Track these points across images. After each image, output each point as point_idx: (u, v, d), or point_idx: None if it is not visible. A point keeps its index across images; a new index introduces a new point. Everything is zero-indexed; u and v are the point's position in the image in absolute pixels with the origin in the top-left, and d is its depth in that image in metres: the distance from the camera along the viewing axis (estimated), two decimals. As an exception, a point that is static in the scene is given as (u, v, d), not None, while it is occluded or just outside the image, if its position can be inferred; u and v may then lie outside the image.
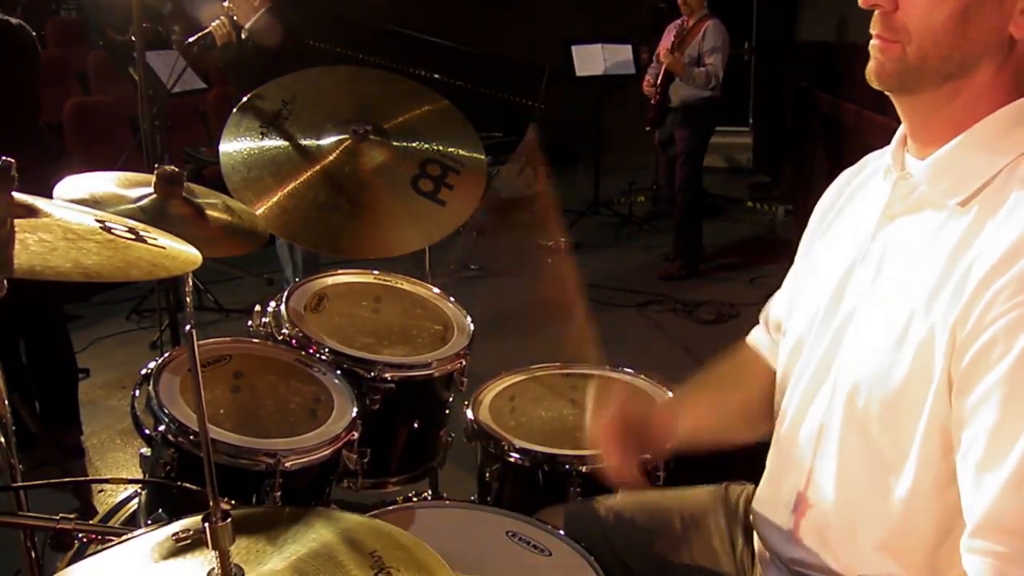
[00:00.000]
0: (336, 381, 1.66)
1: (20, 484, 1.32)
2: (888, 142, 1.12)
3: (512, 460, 1.62)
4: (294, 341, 1.74)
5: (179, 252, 1.17)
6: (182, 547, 0.93)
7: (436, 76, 6.31)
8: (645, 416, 1.35)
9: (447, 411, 1.89)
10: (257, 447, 1.43)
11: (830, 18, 5.66)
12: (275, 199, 1.83)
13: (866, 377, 1.02)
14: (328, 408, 1.60)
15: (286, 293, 1.86)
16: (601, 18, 7.67)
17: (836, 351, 1.09)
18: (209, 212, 1.67)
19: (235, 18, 3.85)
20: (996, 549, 0.87)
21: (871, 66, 1.02)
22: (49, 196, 1.33)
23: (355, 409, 1.59)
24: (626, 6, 7.75)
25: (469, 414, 1.74)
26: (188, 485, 1.33)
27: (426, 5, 7.72)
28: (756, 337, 1.40)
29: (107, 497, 2.69)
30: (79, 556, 1.22)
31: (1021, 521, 0.87)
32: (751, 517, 1.27)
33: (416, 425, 1.84)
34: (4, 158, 1.06)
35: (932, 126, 1.03)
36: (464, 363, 1.84)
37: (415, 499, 1.71)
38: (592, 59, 6.40)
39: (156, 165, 1.68)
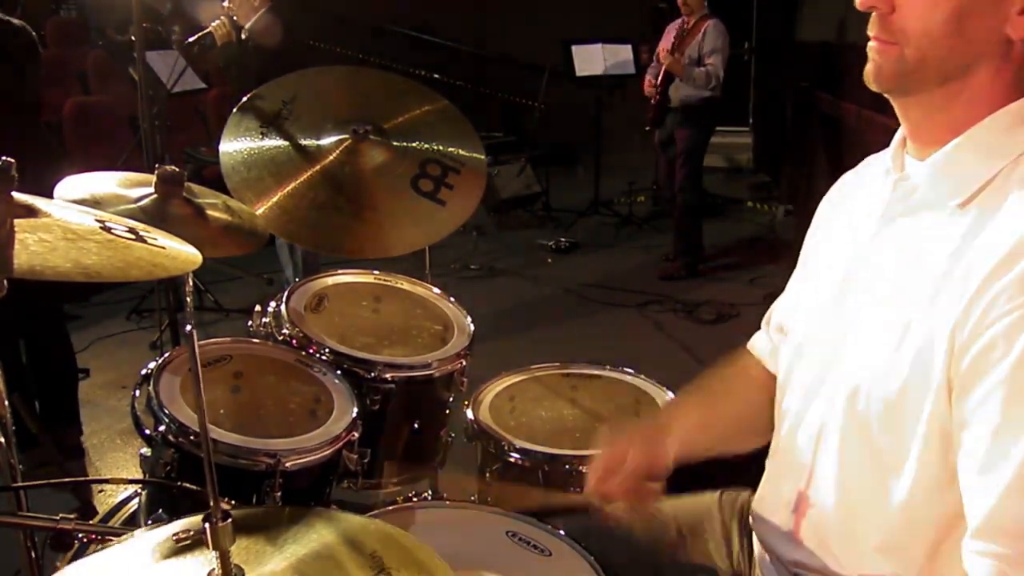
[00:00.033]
0: (336, 381, 1.66)
1: (20, 484, 1.32)
2: (888, 142, 1.12)
3: (512, 460, 1.62)
4: (294, 341, 1.74)
5: (179, 252, 1.17)
6: (182, 547, 0.93)
7: (436, 76, 6.31)
8: (637, 471, 1.29)
9: (447, 411, 1.89)
10: (257, 447, 1.43)
11: (830, 18, 5.66)
12: (275, 199, 1.83)
13: (866, 379, 1.02)
14: (328, 408, 1.60)
15: (286, 293, 1.86)
16: (601, 18, 7.66)
17: (837, 353, 1.09)
18: (209, 212, 1.67)
19: (235, 18, 3.85)
20: (998, 551, 0.87)
21: (869, 68, 1.02)
22: (49, 196, 1.33)
23: (355, 409, 1.59)
24: (626, 6, 7.75)
25: (469, 414, 1.74)
26: (188, 485, 1.33)
27: (426, 5, 7.72)
28: (757, 342, 1.40)
29: (107, 497, 2.69)
30: (79, 556, 1.22)
31: (1022, 521, 0.86)
32: (751, 519, 1.27)
33: (416, 425, 1.83)
34: (4, 158, 1.06)
35: (931, 127, 1.03)
36: (464, 363, 1.84)
37: (415, 499, 1.71)
38: (592, 59, 6.40)
39: (157, 165, 1.68)
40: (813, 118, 5.32)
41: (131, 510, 1.75)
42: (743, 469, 1.36)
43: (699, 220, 5.47)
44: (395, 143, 1.96)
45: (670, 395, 1.79)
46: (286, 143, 1.92)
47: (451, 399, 1.87)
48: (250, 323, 1.85)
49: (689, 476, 1.32)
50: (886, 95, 1.03)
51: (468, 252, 5.71)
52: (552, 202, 6.77)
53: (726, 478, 1.42)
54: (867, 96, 1.05)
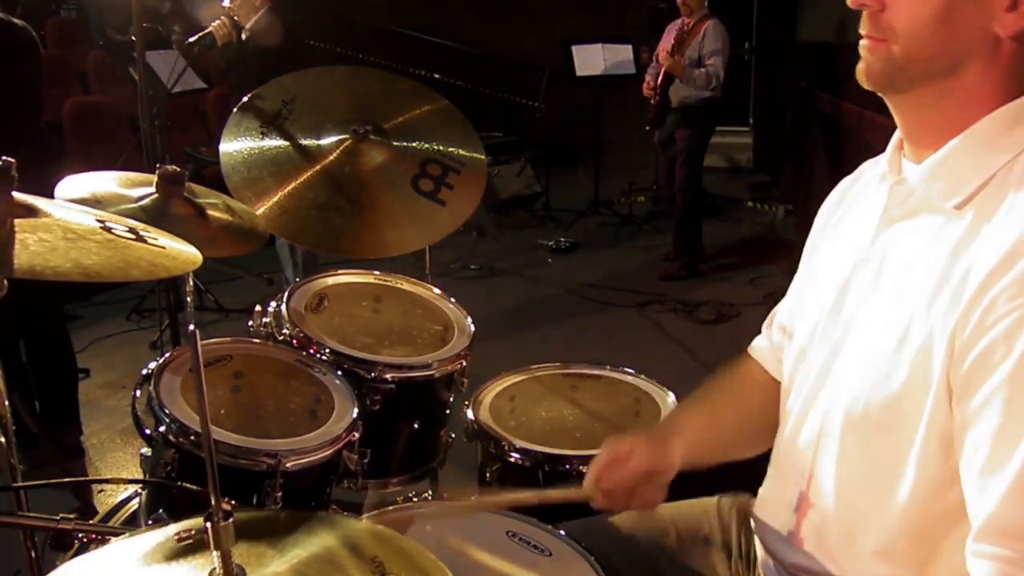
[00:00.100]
0: (336, 381, 1.66)
1: (20, 484, 1.32)
2: (888, 142, 1.12)
3: (512, 460, 1.62)
4: (294, 341, 1.74)
5: (179, 252, 1.18)
6: (184, 547, 0.93)
7: (436, 76, 6.31)
8: (637, 466, 1.28)
9: (447, 411, 1.89)
10: (257, 447, 1.43)
11: (830, 18, 5.66)
12: (275, 199, 1.83)
13: (866, 382, 1.02)
14: (328, 408, 1.60)
15: (286, 293, 1.86)
16: (601, 18, 7.67)
17: (837, 357, 1.09)
18: (209, 212, 1.67)
19: (236, 18, 3.85)
20: (1001, 553, 0.87)
21: (860, 66, 1.02)
22: (49, 196, 1.33)
23: (355, 409, 1.59)
24: (626, 6, 7.75)
25: (469, 414, 1.74)
26: (189, 485, 1.33)
27: (426, 5, 7.73)
28: (758, 346, 1.40)
29: (107, 497, 2.69)
30: (79, 556, 1.22)
31: None
32: (752, 522, 1.27)
33: (416, 425, 1.84)
34: (4, 158, 1.06)
35: (924, 127, 1.03)
36: (464, 363, 1.84)
37: (415, 499, 1.71)
38: (592, 59, 6.40)
39: (157, 165, 1.68)
40: (813, 118, 5.32)
41: (131, 510, 1.75)
42: (742, 473, 1.36)
43: (699, 220, 5.47)
44: (395, 143, 1.96)
45: (670, 395, 1.79)
46: (286, 143, 1.92)
47: (451, 399, 1.87)
48: (250, 323, 1.85)
49: (688, 480, 1.31)
50: (879, 94, 1.04)
51: (468, 252, 5.71)
52: (552, 202, 6.77)
53: (725, 482, 1.42)
54: (867, 96, 1.05)
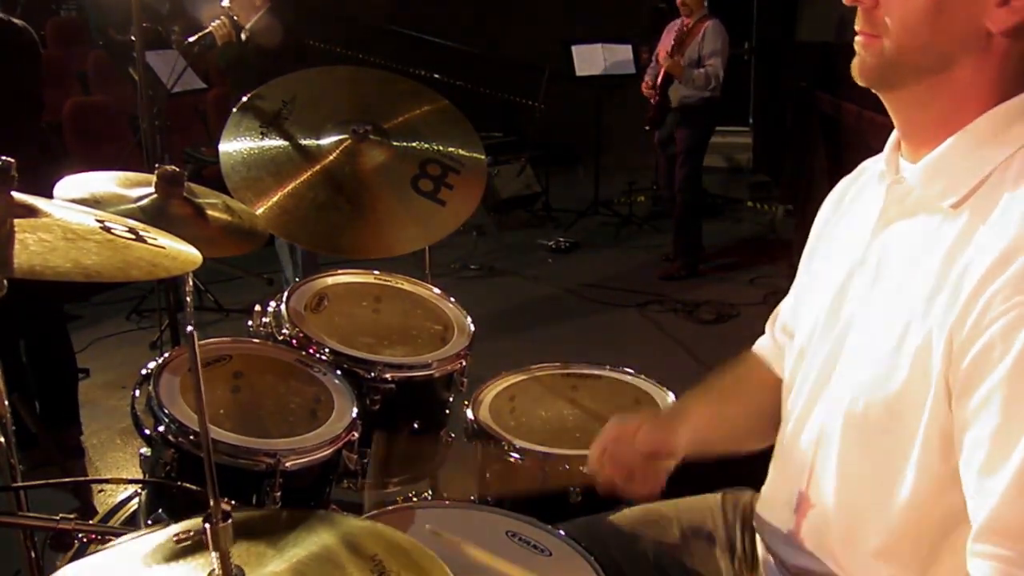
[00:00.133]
0: (336, 381, 1.66)
1: (20, 484, 1.32)
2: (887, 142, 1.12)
3: (512, 460, 1.62)
4: (294, 341, 1.74)
5: (179, 252, 1.18)
6: (183, 548, 0.93)
7: (436, 76, 6.31)
8: (642, 442, 1.30)
9: (447, 411, 1.89)
10: (257, 447, 1.43)
11: (830, 18, 5.66)
12: (275, 199, 1.83)
13: (865, 382, 1.02)
14: (328, 408, 1.60)
15: (286, 293, 1.86)
16: (601, 18, 7.66)
17: (837, 357, 1.09)
18: (209, 212, 1.67)
19: (236, 18, 3.85)
20: (1001, 553, 0.87)
21: (854, 62, 1.02)
22: (49, 196, 1.33)
23: (355, 409, 1.59)
24: (626, 6, 7.74)
25: (469, 414, 1.74)
26: (188, 485, 1.33)
27: (426, 5, 7.72)
28: (763, 345, 1.40)
29: (107, 497, 2.69)
30: (79, 556, 1.22)
31: None
32: (754, 521, 1.27)
33: (416, 425, 1.83)
34: (4, 158, 1.06)
35: (919, 125, 1.03)
36: (464, 363, 1.84)
37: (415, 499, 1.71)
38: (592, 59, 6.40)
39: (156, 165, 1.68)
40: (813, 118, 5.31)
41: (131, 510, 1.75)
42: (746, 470, 1.36)
43: (699, 220, 5.47)
44: (395, 143, 1.96)
45: (670, 395, 1.79)
46: (286, 143, 1.92)
47: (451, 399, 1.87)
48: (250, 323, 1.85)
49: (691, 477, 1.31)
50: (874, 91, 1.04)
51: (468, 252, 5.71)
52: (552, 202, 6.77)
53: (729, 479, 1.42)
54: (867, 96, 1.06)
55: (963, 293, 0.91)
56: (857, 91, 1.06)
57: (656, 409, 1.77)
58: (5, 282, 1.09)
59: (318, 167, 1.89)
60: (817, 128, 5.19)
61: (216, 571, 0.86)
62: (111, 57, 6.27)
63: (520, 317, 4.60)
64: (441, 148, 1.98)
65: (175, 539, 0.93)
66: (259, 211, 1.79)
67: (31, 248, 1.00)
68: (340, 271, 2.02)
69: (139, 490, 1.64)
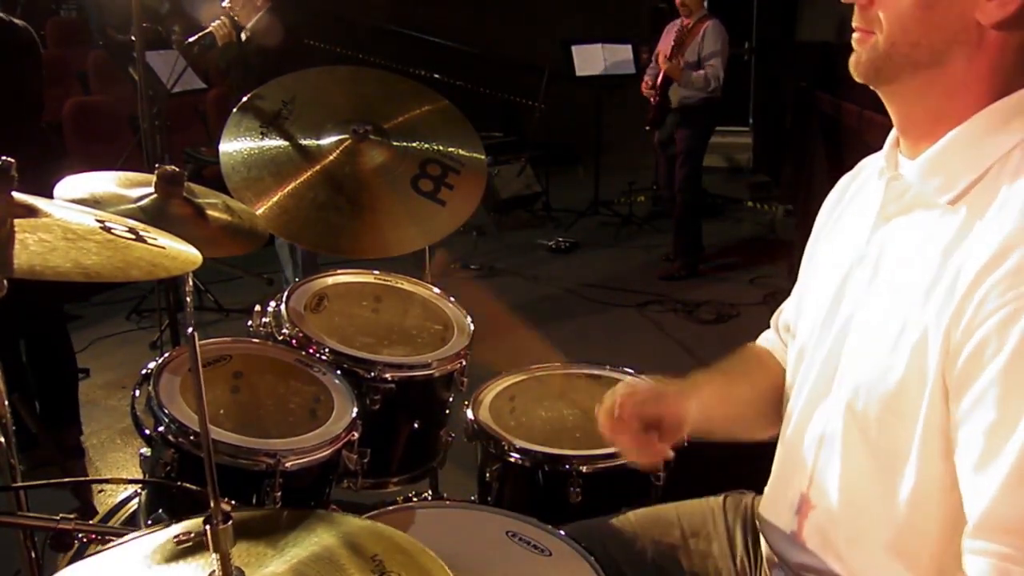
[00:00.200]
0: (336, 381, 1.66)
1: (20, 484, 1.32)
2: (888, 142, 1.12)
3: (512, 460, 1.62)
4: (294, 341, 1.74)
5: (179, 252, 1.17)
6: (183, 549, 0.93)
7: (436, 76, 6.31)
8: (652, 401, 1.29)
9: (447, 411, 1.89)
10: (257, 447, 1.43)
11: (830, 18, 5.66)
12: (275, 199, 1.83)
13: (864, 380, 1.02)
14: (328, 408, 1.60)
15: (286, 293, 1.86)
16: (601, 18, 7.67)
17: (837, 355, 1.09)
18: (209, 212, 1.67)
19: (235, 18, 3.85)
20: (998, 549, 0.87)
21: (851, 59, 1.03)
22: (49, 196, 1.33)
23: (355, 409, 1.59)
24: (626, 6, 7.75)
25: (469, 414, 1.74)
26: (188, 485, 1.33)
27: (426, 5, 7.72)
28: (768, 339, 1.40)
29: (107, 497, 2.69)
30: (79, 556, 1.22)
31: (1021, 519, 0.86)
32: (757, 522, 1.27)
33: (416, 425, 1.84)
34: (4, 158, 1.06)
35: (916, 119, 1.03)
36: (464, 363, 1.84)
37: (415, 499, 1.71)
38: (592, 59, 6.40)
39: (156, 165, 1.68)
40: (813, 118, 5.31)
41: (131, 510, 1.75)
42: (746, 471, 1.35)
43: (699, 220, 5.47)
44: (395, 143, 1.96)
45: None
46: (286, 143, 1.92)
47: (451, 399, 1.87)
48: (250, 323, 1.85)
49: (693, 480, 1.31)
50: (871, 86, 1.04)
51: (468, 252, 5.71)
52: (552, 202, 6.77)
53: (730, 480, 1.42)
54: (867, 96, 1.06)
55: (959, 290, 0.91)
56: (857, 91, 1.06)
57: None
58: (5, 282, 1.09)
59: (318, 167, 1.89)
60: (817, 128, 5.19)
61: (216, 572, 0.86)
62: (111, 57, 6.25)
63: (520, 317, 4.60)
64: (441, 148, 1.98)
65: (176, 540, 0.93)
66: (259, 211, 1.79)
67: (31, 248, 1.00)
68: (340, 271, 2.02)
69: (139, 490, 1.64)
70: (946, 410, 0.93)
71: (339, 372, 1.68)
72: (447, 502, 1.56)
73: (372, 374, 1.71)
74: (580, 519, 1.43)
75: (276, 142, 1.91)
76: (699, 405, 1.27)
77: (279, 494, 1.42)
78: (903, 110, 1.05)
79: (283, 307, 1.80)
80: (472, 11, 7.88)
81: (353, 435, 1.56)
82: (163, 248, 1.16)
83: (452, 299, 2.02)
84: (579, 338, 4.34)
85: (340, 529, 0.98)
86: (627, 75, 6.31)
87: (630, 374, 1.88)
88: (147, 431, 1.47)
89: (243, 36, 3.88)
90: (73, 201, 1.45)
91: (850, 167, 1.27)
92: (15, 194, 1.08)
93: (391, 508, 1.43)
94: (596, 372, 1.91)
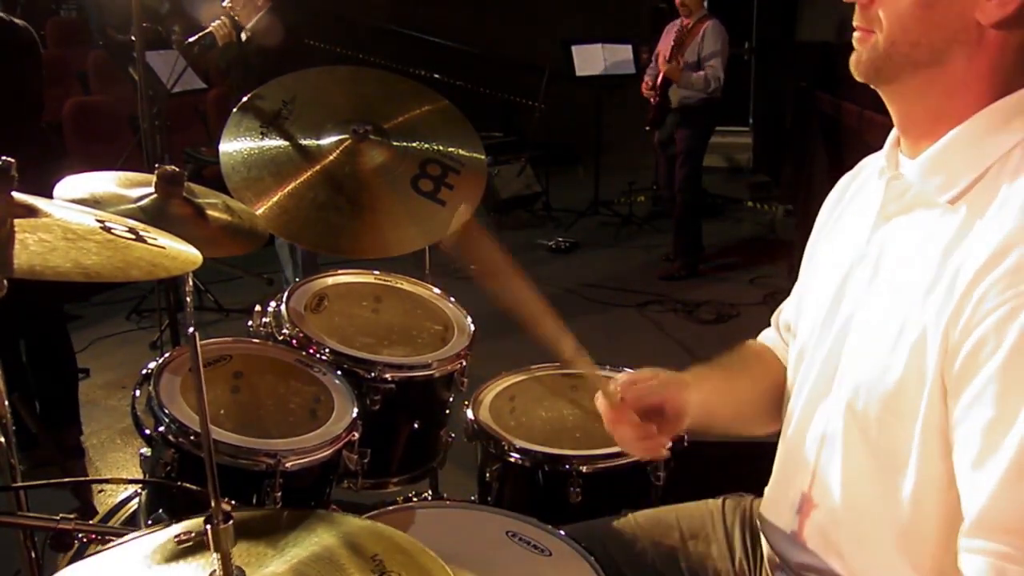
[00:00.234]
0: (336, 381, 1.66)
1: (20, 484, 1.32)
2: (888, 142, 1.12)
3: (512, 460, 1.62)
4: (294, 341, 1.74)
5: (179, 252, 1.17)
6: (183, 549, 0.93)
7: (436, 76, 6.31)
8: (653, 389, 1.29)
9: (447, 411, 1.89)
10: (257, 447, 1.43)
11: (830, 18, 5.66)
12: (275, 199, 1.82)
13: (864, 380, 1.02)
14: (328, 408, 1.60)
15: (286, 293, 1.86)
16: (601, 18, 7.67)
17: (837, 355, 1.09)
18: (209, 212, 1.67)
19: (236, 18, 3.84)
20: (996, 548, 0.87)
21: (852, 58, 1.03)
22: (49, 196, 1.33)
23: (355, 409, 1.59)
24: (626, 6, 7.75)
25: (469, 414, 1.74)
26: (188, 485, 1.33)
27: (426, 5, 7.72)
28: (767, 337, 1.40)
29: (107, 497, 2.69)
30: (79, 556, 1.22)
31: (1019, 518, 0.86)
32: (758, 521, 1.27)
33: (416, 425, 1.84)
34: (4, 158, 1.06)
35: (916, 118, 1.03)
36: (464, 363, 1.84)
37: (415, 499, 1.71)
38: (592, 59, 6.40)
39: (156, 165, 1.68)
40: (813, 118, 5.32)
41: (131, 510, 1.75)
42: (746, 472, 1.35)
43: (699, 220, 5.47)
44: (395, 143, 1.96)
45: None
46: (286, 143, 1.92)
47: (451, 399, 1.87)
48: (250, 323, 1.85)
49: (692, 482, 1.31)
50: (871, 85, 1.04)
51: (467, 261, 5.70)
52: (552, 202, 6.77)
53: (729, 482, 1.42)
54: (867, 96, 1.06)
55: (959, 288, 0.91)
56: (857, 91, 1.07)
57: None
58: (5, 282, 1.09)
59: (318, 167, 1.89)
60: (817, 128, 5.19)
61: (217, 572, 0.86)
62: (111, 57, 6.25)
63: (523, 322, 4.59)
64: (441, 148, 1.98)
65: (176, 540, 0.93)
66: (259, 211, 1.79)
67: (31, 248, 1.00)
68: (340, 271, 2.02)
69: (139, 490, 1.64)
70: (945, 409, 0.93)
71: (339, 372, 1.68)
72: (447, 502, 1.56)
73: (372, 374, 1.71)
74: (580, 519, 1.43)
75: (276, 142, 1.91)
76: (700, 398, 1.27)
77: (279, 494, 1.43)
78: (903, 109, 1.05)
79: (283, 307, 1.80)
80: (472, 11, 7.88)
81: (353, 435, 1.56)
82: (163, 248, 1.16)
83: (452, 299, 2.02)
84: (579, 338, 4.32)
85: (340, 529, 0.98)
86: (627, 75, 6.31)
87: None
88: (147, 431, 1.47)
89: (243, 36, 3.88)
90: (73, 201, 1.45)
91: (850, 167, 1.27)
92: (15, 194, 1.08)
93: (391, 508, 1.43)
94: (599, 373, 1.90)
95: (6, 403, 1.33)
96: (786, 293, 1.35)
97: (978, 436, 0.88)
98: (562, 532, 1.34)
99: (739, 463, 1.36)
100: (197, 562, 0.91)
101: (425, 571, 0.93)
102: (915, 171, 1.02)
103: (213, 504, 0.83)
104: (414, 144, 1.97)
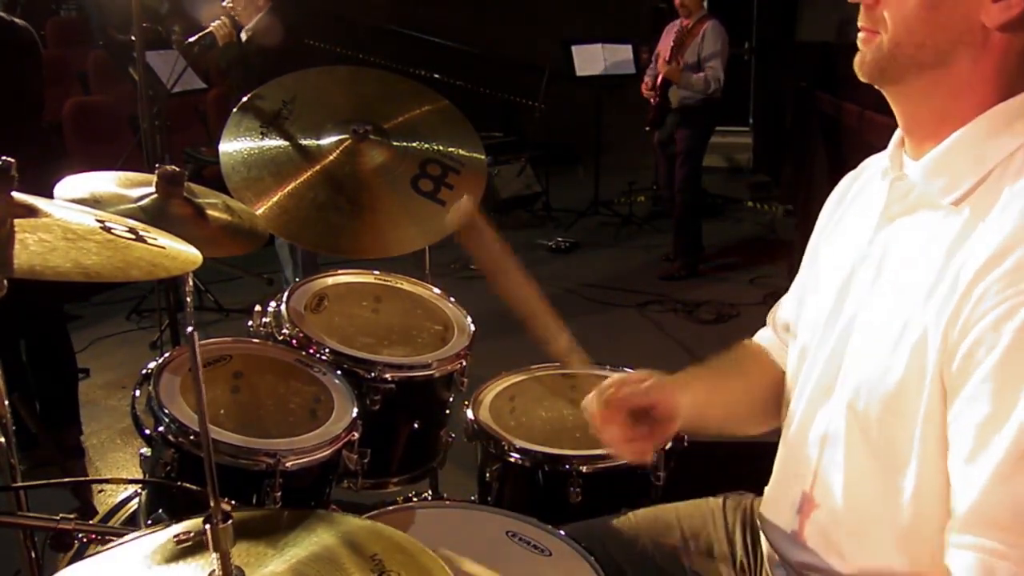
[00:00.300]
0: (336, 381, 1.66)
1: (20, 484, 1.32)
2: (888, 142, 1.12)
3: (512, 460, 1.62)
4: (294, 341, 1.74)
5: (179, 252, 1.18)
6: (183, 549, 0.93)
7: (436, 76, 6.31)
8: (642, 392, 1.27)
9: (447, 411, 1.89)
10: (257, 447, 1.43)
11: (830, 18, 5.66)
12: (275, 199, 1.83)
13: (866, 380, 1.02)
14: (328, 408, 1.60)
15: (286, 293, 1.86)
16: (601, 18, 7.67)
17: (840, 355, 1.09)
18: (209, 212, 1.67)
19: (236, 18, 3.84)
20: (986, 544, 0.87)
21: (856, 58, 1.03)
22: (49, 196, 1.33)
23: (355, 409, 1.59)
24: (626, 6, 7.75)
25: (469, 414, 1.74)
26: (188, 485, 1.33)
27: (426, 5, 7.73)
28: (763, 336, 1.40)
29: (107, 497, 2.69)
30: (79, 556, 1.22)
31: (1010, 514, 0.86)
32: (758, 521, 1.27)
33: (416, 425, 1.83)
34: (4, 158, 1.06)
35: (921, 119, 1.03)
36: (464, 363, 1.84)
37: (415, 499, 1.71)
38: (592, 59, 6.40)
39: (157, 165, 1.68)
40: (813, 118, 5.32)
41: (131, 510, 1.75)
42: (746, 471, 1.35)
43: (699, 220, 5.47)
44: (395, 143, 1.96)
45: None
46: (286, 143, 1.92)
47: (451, 399, 1.87)
48: (250, 323, 1.85)
49: (693, 480, 1.31)
50: (876, 86, 1.04)
51: (468, 252, 5.70)
52: (552, 202, 6.77)
53: (730, 481, 1.42)
54: (867, 96, 1.06)
55: (959, 288, 0.91)
56: (858, 91, 1.07)
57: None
58: (5, 282, 1.09)
59: (318, 167, 1.89)
60: (817, 128, 5.19)
61: (216, 571, 0.86)
62: (111, 57, 6.25)
63: (520, 317, 4.59)
64: (441, 148, 1.98)
65: (176, 540, 0.93)
66: (259, 211, 1.79)
67: (31, 248, 1.00)
68: (340, 271, 2.02)
69: (139, 490, 1.64)
70: (944, 410, 0.93)
71: (339, 372, 1.68)
72: (447, 502, 1.56)
73: (372, 374, 1.71)
74: (580, 519, 1.43)
75: (276, 142, 1.91)
76: (691, 399, 1.27)
77: (279, 494, 1.42)
78: (908, 110, 1.05)
79: (283, 307, 1.80)
80: (472, 11, 7.88)
81: (353, 435, 1.56)
82: (163, 248, 1.16)
83: (452, 299, 2.02)
84: (579, 338, 4.32)
85: (340, 529, 0.98)
86: (627, 75, 6.31)
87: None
88: (147, 431, 1.47)
89: (243, 36, 3.88)
90: (73, 201, 1.45)
91: (850, 167, 1.26)
92: (15, 194, 1.08)
93: (391, 508, 1.43)
94: (596, 372, 1.90)
95: (6, 403, 1.34)
96: (786, 293, 1.35)
97: (972, 432, 0.88)
98: (562, 532, 1.34)
99: (739, 462, 1.36)
100: (197, 562, 0.91)
101: (425, 571, 0.93)
102: (919, 172, 1.02)
103: (212, 504, 0.83)
104: (414, 144, 1.97)
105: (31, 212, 1.08)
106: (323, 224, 1.84)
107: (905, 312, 0.98)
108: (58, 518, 1.17)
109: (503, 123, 7.26)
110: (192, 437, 1.40)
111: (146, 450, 1.50)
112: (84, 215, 1.15)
